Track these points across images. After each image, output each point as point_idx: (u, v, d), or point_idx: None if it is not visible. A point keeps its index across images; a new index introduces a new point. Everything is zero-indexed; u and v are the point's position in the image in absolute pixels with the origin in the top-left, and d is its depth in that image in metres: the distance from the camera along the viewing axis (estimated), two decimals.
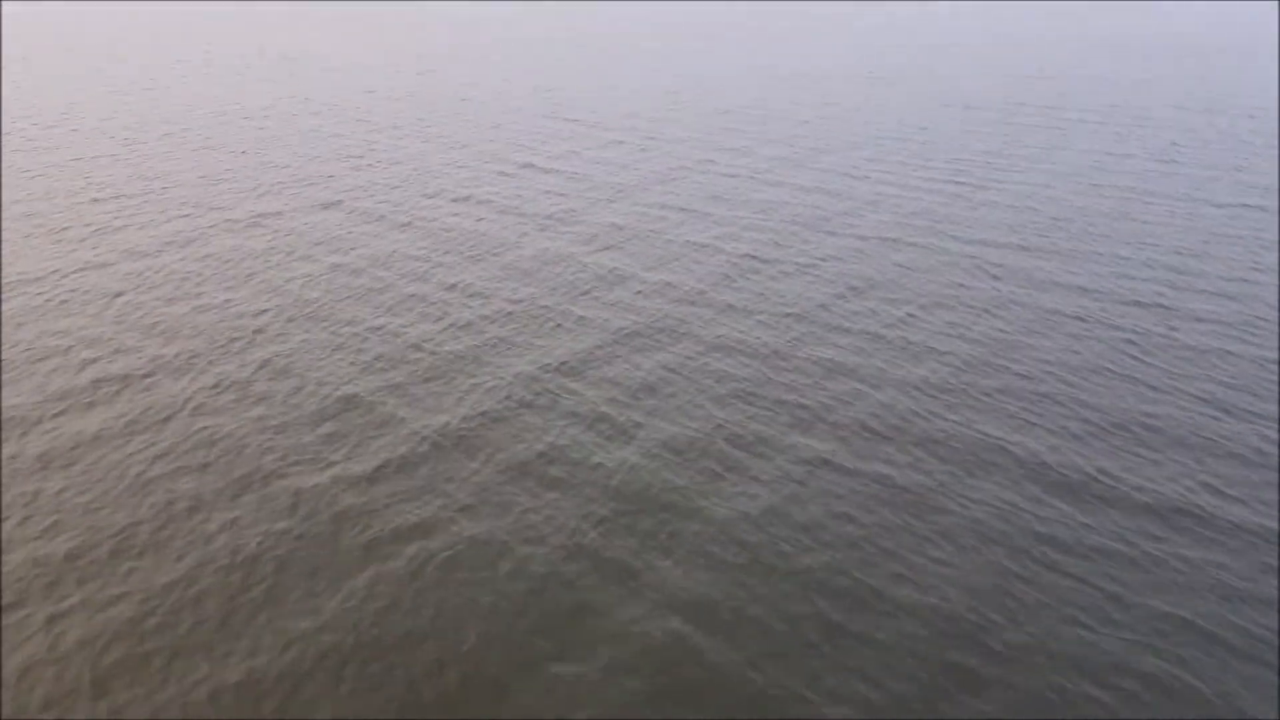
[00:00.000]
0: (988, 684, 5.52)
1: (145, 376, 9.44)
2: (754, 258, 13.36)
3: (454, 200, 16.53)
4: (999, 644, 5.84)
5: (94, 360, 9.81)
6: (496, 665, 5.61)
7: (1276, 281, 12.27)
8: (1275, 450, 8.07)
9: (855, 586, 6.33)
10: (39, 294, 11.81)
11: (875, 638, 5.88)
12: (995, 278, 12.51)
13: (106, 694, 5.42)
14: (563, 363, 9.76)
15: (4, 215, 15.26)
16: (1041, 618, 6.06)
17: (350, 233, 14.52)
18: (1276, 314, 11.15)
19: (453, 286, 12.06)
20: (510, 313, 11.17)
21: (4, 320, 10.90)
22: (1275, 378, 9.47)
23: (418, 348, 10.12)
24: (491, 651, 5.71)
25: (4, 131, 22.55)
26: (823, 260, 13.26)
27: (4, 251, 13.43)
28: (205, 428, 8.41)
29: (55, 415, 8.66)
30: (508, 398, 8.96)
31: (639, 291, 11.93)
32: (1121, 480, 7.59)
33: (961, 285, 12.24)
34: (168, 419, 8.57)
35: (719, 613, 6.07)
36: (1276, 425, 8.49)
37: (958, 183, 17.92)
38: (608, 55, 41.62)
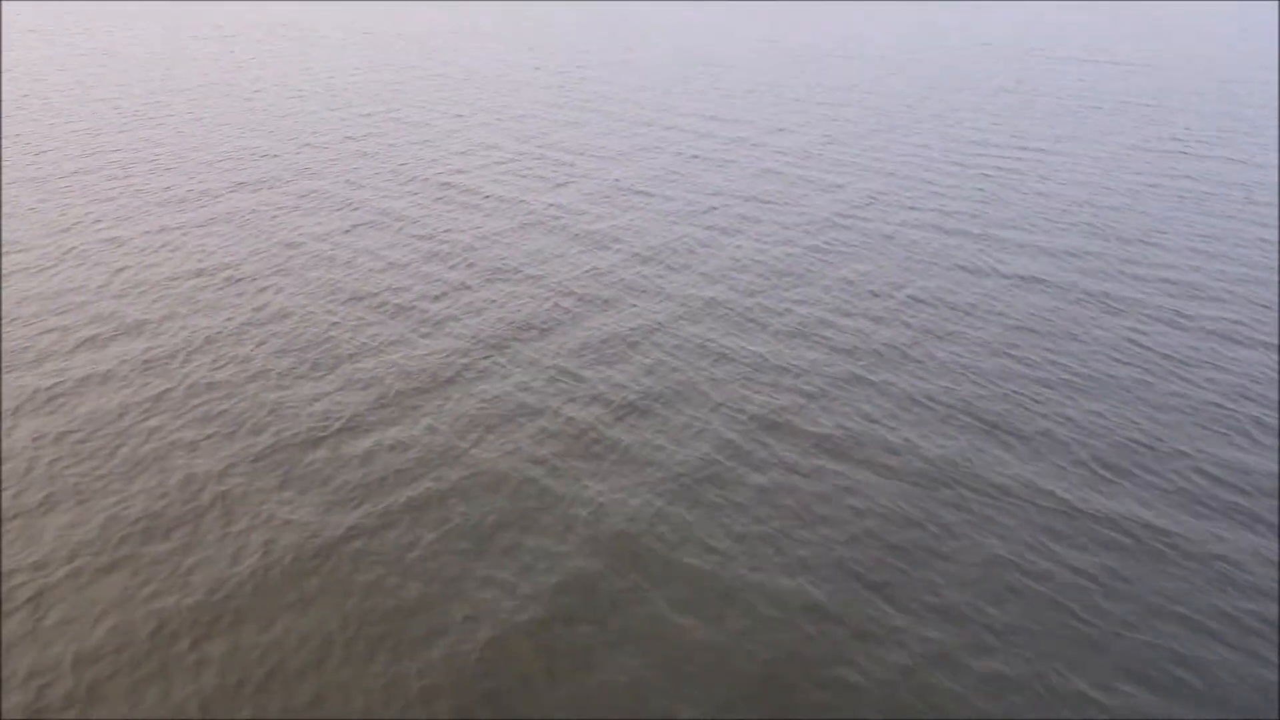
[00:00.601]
0: (965, 673, 5.30)
1: (119, 338, 9.54)
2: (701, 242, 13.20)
3: (441, 185, 16.38)
4: (982, 632, 5.63)
5: (78, 325, 9.90)
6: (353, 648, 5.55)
7: (1277, 277, 12.15)
8: (1275, 446, 7.90)
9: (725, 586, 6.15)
10: (33, 261, 11.78)
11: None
12: (995, 269, 12.28)
13: (66, 628, 5.59)
14: (483, 342, 9.61)
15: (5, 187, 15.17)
16: (1029, 609, 5.86)
17: (308, 213, 14.32)
18: (1277, 308, 11.03)
19: (404, 266, 11.94)
20: (437, 295, 10.98)
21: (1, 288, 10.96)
22: (1276, 371, 9.34)
23: (452, 327, 10.01)
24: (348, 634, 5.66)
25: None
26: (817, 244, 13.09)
27: (4, 225, 13.42)
28: (156, 392, 8.41)
29: (40, 371, 8.78)
30: (421, 375, 8.87)
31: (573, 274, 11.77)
32: (1113, 474, 7.41)
33: (958, 276, 12.02)
34: (128, 383, 8.64)
35: (579, 603, 5.91)
36: (1277, 419, 8.34)
37: (958, 168, 17.73)
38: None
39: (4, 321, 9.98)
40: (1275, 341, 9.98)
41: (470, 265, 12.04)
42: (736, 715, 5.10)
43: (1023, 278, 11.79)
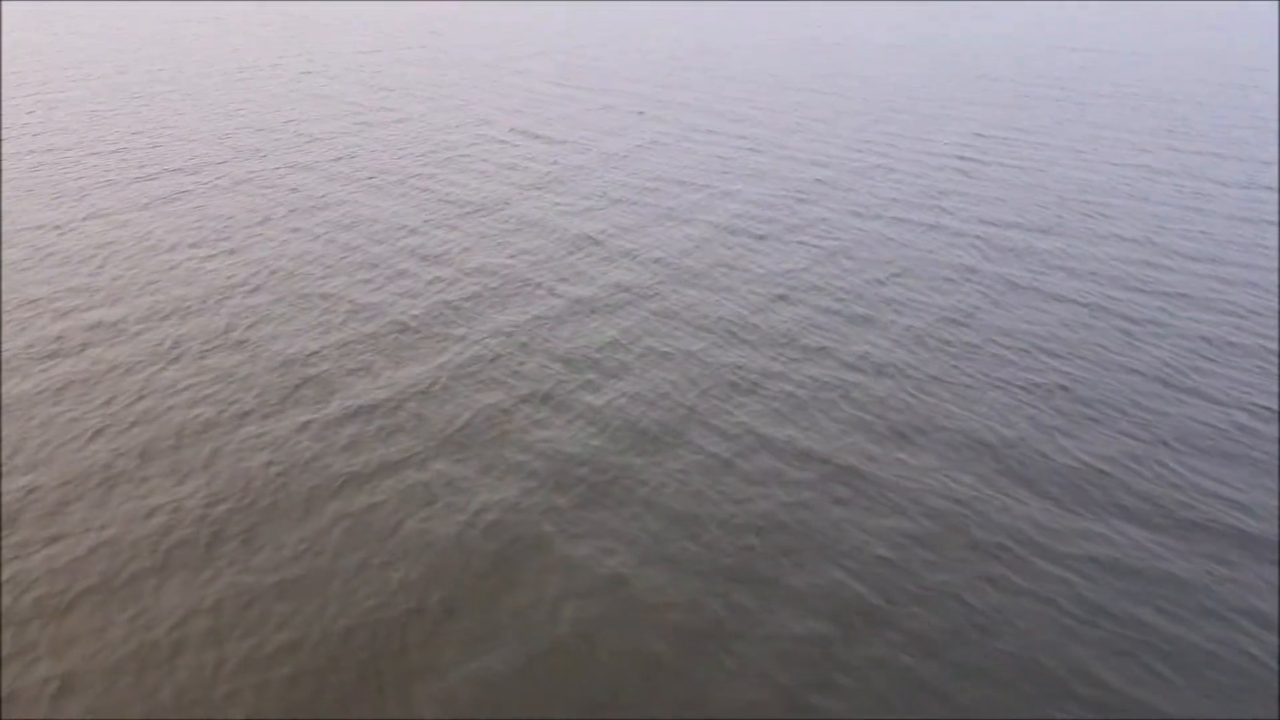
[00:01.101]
0: (947, 698, 5.07)
1: (119, 328, 9.52)
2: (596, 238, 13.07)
3: (438, 164, 16.19)
4: (961, 652, 5.39)
5: (69, 311, 9.86)
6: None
7: (1277, 265, 11.96)
8: (1275, 447, 7.64)
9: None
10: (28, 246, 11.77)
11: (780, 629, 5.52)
12: (986, 253, 12.05)
13: (72, 620, 5.57)
14: (403, 326, 9.48)
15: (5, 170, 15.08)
16: (1010, 625, 5.62)
17: (324, 195, 14.14)
18: (1277, 301, 10.80)
19: (414, 251, 11.77)
20: (371, 279, 10.83)
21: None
22: (1276, 368, 9.10)
23: (377, 311, 9.89)
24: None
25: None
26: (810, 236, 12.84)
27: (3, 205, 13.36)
28: (173, 379, 8.44)
29: (34, 362, 8.74)
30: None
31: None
32: (1105, 474, 7.15)
33: (950, 260, 11.76)
34: (135, 369, 8.63)
35: (447, 593, 5.80)
36: (1277, 418, 8.09)
37: (959, 156, 17.54)
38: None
39: None
40: (1274, 344, 9.77)
41: (401, 250, 11.96)
42: (607, 714, 4.99)
43: (997, 274, 11.57)
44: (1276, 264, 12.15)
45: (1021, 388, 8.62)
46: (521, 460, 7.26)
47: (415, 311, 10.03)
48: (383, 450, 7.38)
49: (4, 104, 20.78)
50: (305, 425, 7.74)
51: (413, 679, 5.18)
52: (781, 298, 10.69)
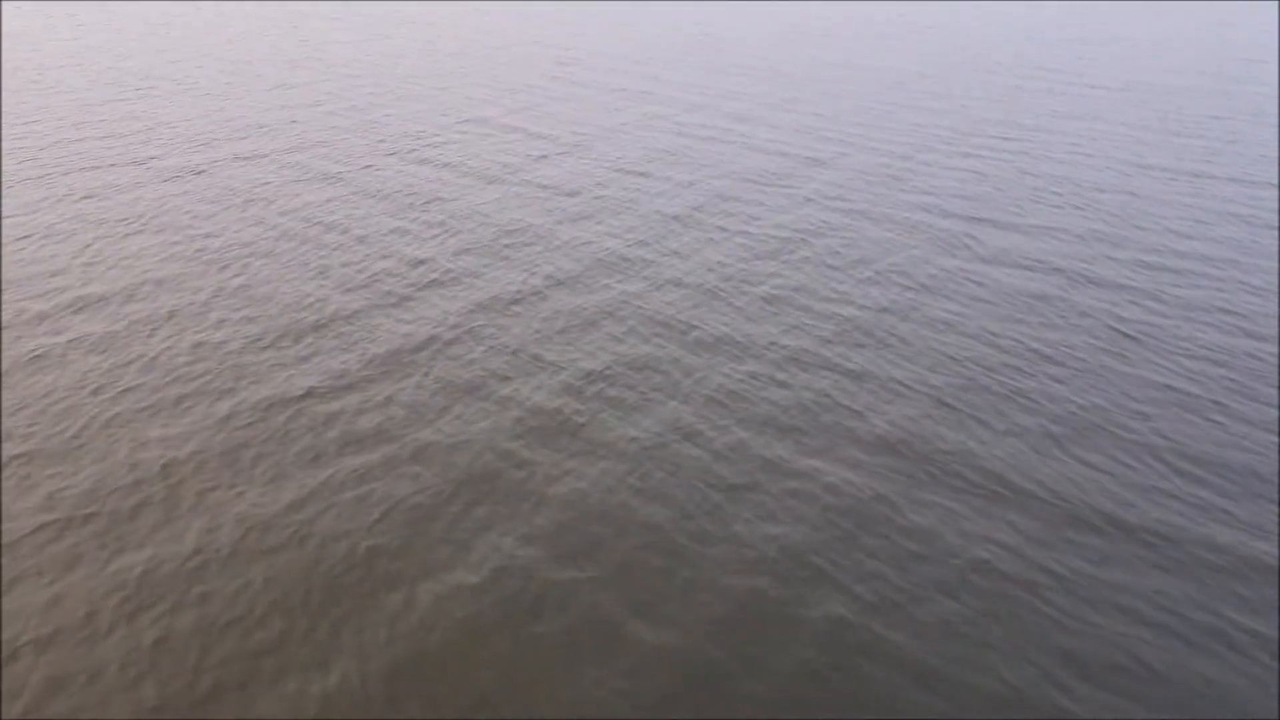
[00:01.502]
0: (899, 705, 4.85)
1: (106, 302, 9.67)
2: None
3: (399, 154, 15.92)
4: (928, 675, 5.06)
5: (64, 288, 9.97)
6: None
7: (1277, 266, 11.69)
8: (1275, 457, 7.32)
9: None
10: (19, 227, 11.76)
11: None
12: (967, 251, 11.73)
13: (56, 574, 5.69)
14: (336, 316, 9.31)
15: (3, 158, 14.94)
16: (980, 647, 5.29)
17: (287, 182, 13.89)
18: (1277, 302, 10.51)
19: (368, 239, 11.56)
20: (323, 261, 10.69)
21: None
22: (1275, 371, 8.78)
23: (319, 300, 9.72)
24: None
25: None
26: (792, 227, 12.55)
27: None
28: (152, 351, 8.56)
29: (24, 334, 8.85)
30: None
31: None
32: (1092, 489, 6.83)
33: (927, 259, 11.44)
34: (122, 340, 8.79)
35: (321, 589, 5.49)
36: (1276, 427, 7.76)
37: (947, 149, 17.23)
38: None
39: None
40: (1274, 344, 9.45)
41: (352, 238, 11.85)
42: (497, 712, 4.84)
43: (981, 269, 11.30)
44: (1276, 263, 11.90)
45: (1009, 390, 8.31)
46: (441, 452, 7.14)
47: (355, 304, 9.86)
48: (326, 436, 7.29)
49: (2, 96, 20.63)
50: (249, 409, 7.61)
51: (334, 656, 5.15)
52: (736, 290, 10.44)
